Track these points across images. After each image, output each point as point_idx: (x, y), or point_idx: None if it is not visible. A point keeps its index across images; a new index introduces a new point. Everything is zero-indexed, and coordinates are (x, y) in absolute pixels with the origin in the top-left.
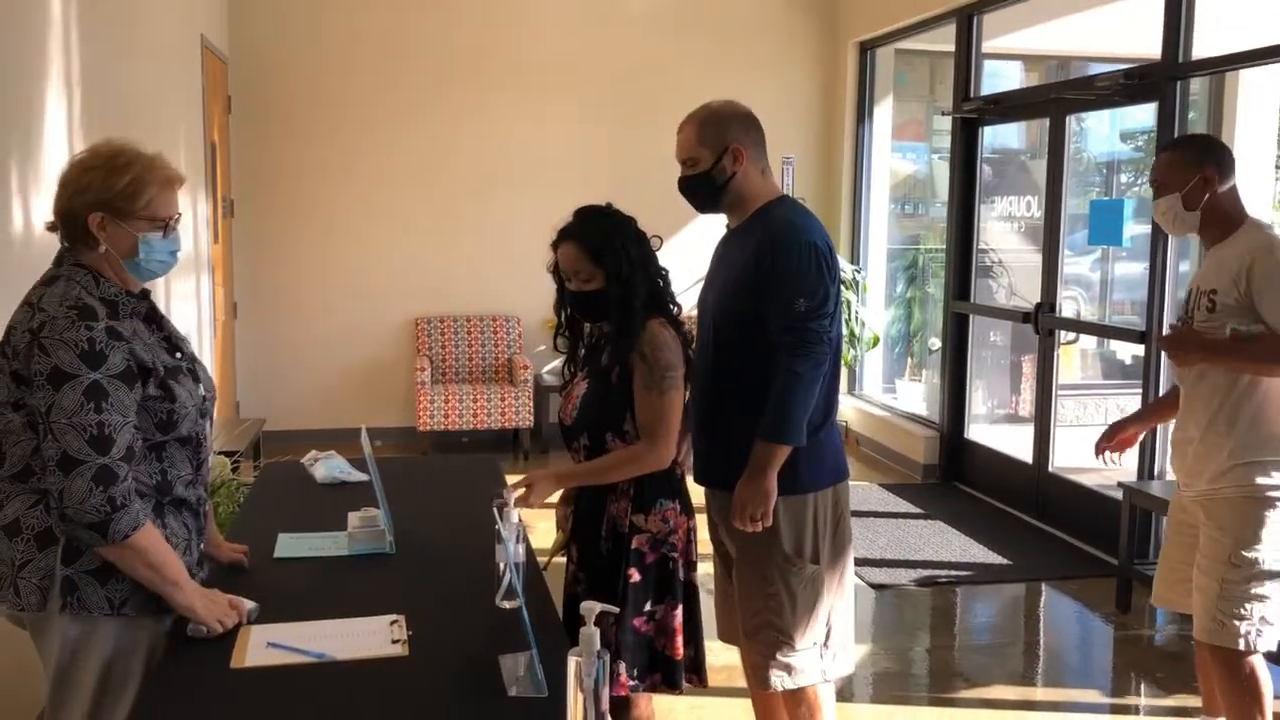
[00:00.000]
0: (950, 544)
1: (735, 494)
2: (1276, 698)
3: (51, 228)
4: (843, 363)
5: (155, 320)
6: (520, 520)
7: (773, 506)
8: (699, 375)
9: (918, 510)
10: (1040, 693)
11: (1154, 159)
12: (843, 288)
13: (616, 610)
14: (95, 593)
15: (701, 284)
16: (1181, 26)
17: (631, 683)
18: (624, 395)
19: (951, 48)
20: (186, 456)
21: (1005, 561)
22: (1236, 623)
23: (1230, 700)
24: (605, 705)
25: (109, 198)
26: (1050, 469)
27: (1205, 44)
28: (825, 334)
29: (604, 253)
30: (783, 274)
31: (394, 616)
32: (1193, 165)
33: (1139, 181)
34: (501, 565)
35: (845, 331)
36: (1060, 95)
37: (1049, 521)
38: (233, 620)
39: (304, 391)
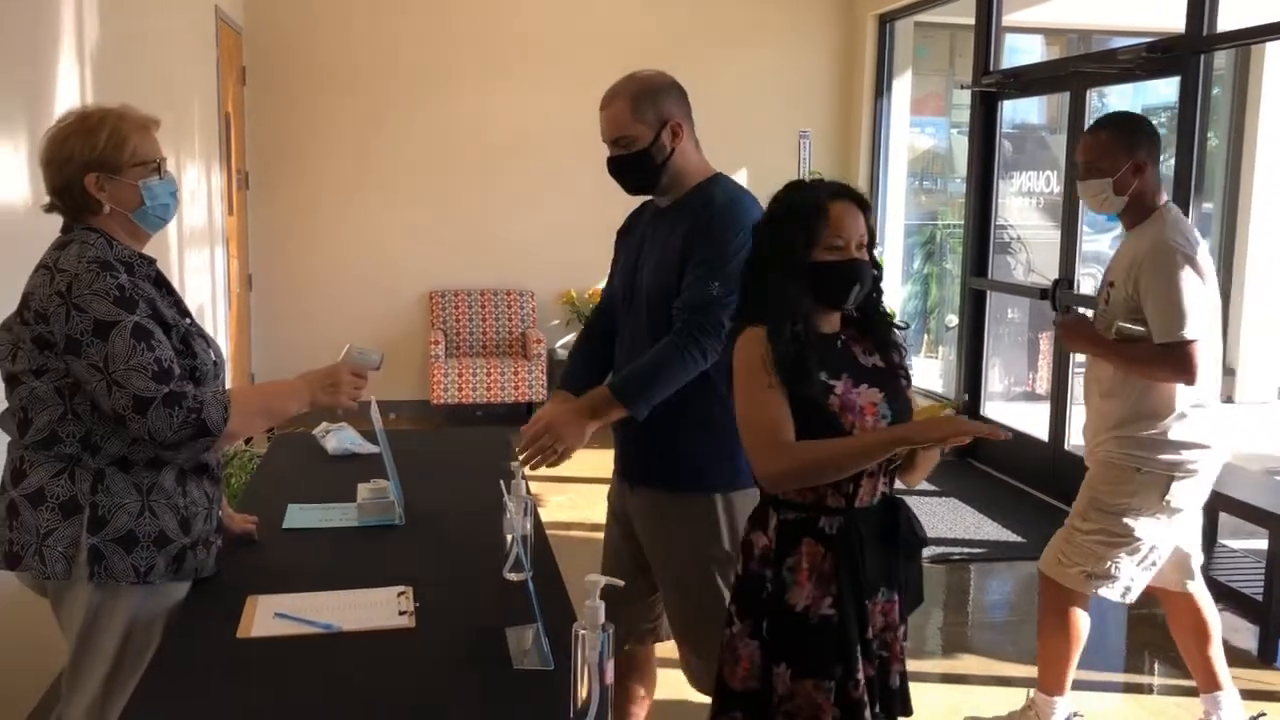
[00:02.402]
0: (964, 521)
1: (555, 414)
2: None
3: (49, 208)
4: None
5: (164, 285)
6: (529, 493)
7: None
8: (627, 362)
9: (932, 487)
10: None
11: (1085, 135)
12: None
13: (621, 583)
14: (122, 561)
15: (617, 266)
16: None
17: None
18: None
19: (971, 20)
20: None
21: (1020, 539)
22: (1073, 570)
23: (1046, 634)
24: (610, 679)
25: (95, 156)
26: (1067, 447)
27: (1230, 16)
28: (721, 330)
29: None
30: (706, 252)
31: (402, 588)
32: (1126, 150)
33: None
34: (509, 538)
35: None
36: (1081, 69)
37: (1065, 500)
38: (360, 392)
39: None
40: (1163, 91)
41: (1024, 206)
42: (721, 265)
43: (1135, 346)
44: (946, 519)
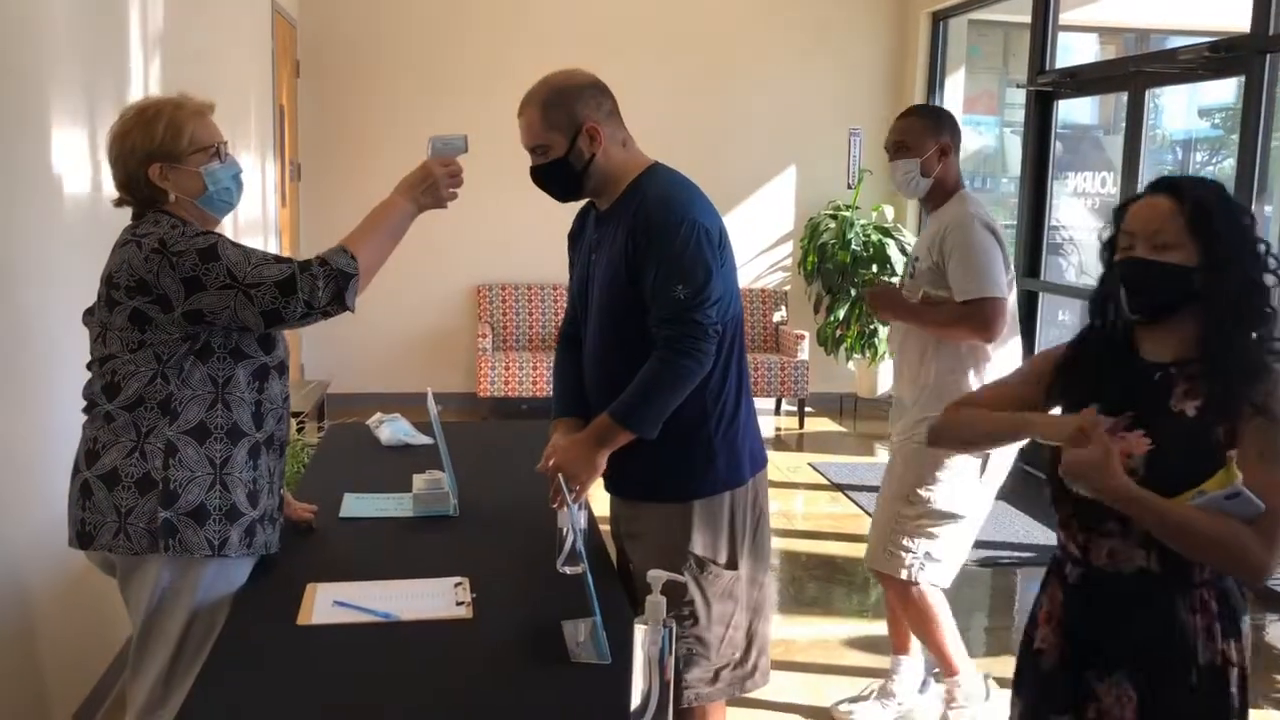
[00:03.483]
0: (1013, 525)
1: (559, 452)
2: None
3: (119, 203)
4: None
5: None
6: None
7: (593, 482)
8: (590, 373)
9: None
10: None
11: (896, 120)
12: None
13: (683, 579)
14: (195, 534)
15: (572, 275)
16: None
17: None
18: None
19: (1025, 18)
20: (280, 387)
21: None
22: (903, 554)
23: (914, 625)
24: (670, 675)
25: (156, 147)
26: None
27: None
28: (711, 326)
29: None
30: (658, 258)
31: (458, 579)
32: (933, 134)
33: (1215, 160)
34: (565, 530)
35: None
36: (1141, 68)
37: None
38: (455, 180)
39: (367, 355)
40: (1217, 95)
41: (1076, 208)
42: (678, 265)
43: (937, 307)
44: (995, 522)
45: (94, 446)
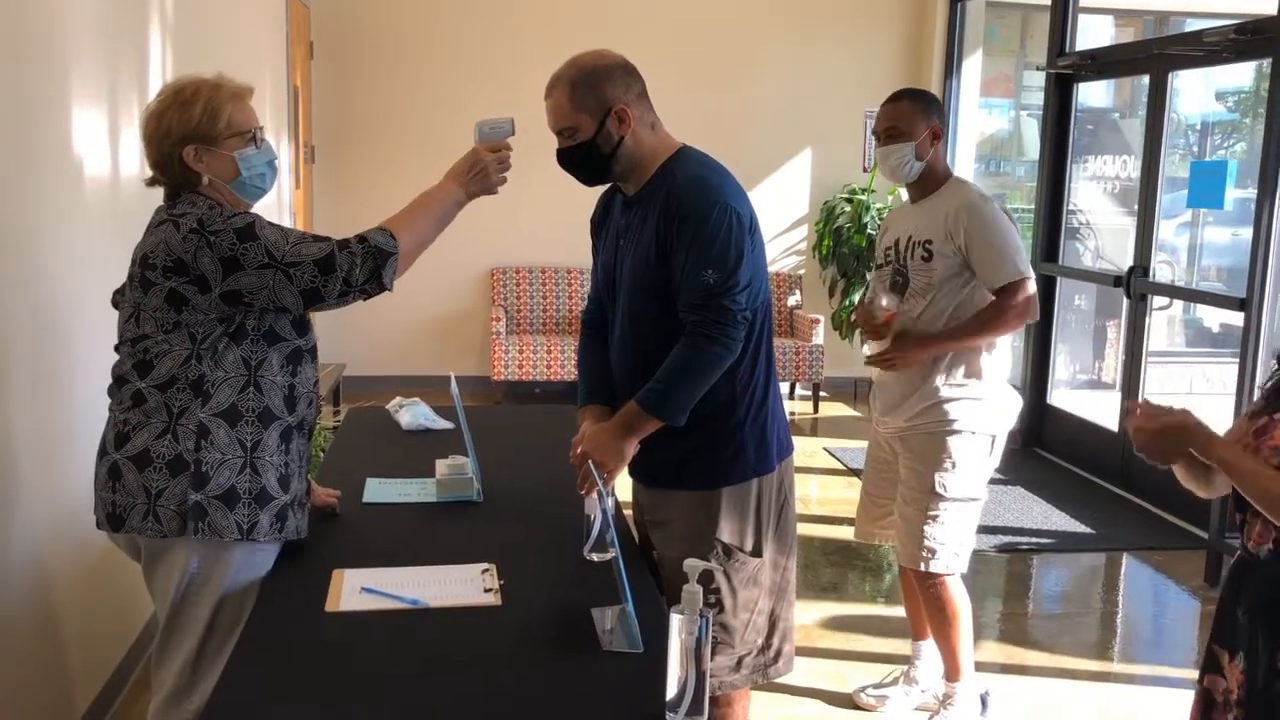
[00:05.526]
0: (1031, 511)
1: (588, 440)
2: None
3: (151, 182)
4: None
5: None
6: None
7: (620, 470)
8: (618, 360)
9: (998, 476)
10: (1118, 665)
11: (885, 105)
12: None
13: (718, 567)
14: (225, 518)
15: (596, 262)
16: None
17: None
18: None
19: (1045, 1)
20: (312, 370)
21: (1088, 531)
22: (940, 548)
23: (936, 622)
24: (706, 665)
25: (192, 129)
26: None
27: None
28: (740, 312)
29: None
30: (689, 242)
31: (485, 565)
32: (924, 117)
33: (1230, 143)
34: (592, 516)
35: None
36: (1164, 51)
37: (1135, 491)
38: (503, 165)
39: (382, 338)
40: (1235, 79)
41: (1093, 192)
42: (709, 249)
43: (966, 323)
44: (1013, 508)
45: (124, 429)
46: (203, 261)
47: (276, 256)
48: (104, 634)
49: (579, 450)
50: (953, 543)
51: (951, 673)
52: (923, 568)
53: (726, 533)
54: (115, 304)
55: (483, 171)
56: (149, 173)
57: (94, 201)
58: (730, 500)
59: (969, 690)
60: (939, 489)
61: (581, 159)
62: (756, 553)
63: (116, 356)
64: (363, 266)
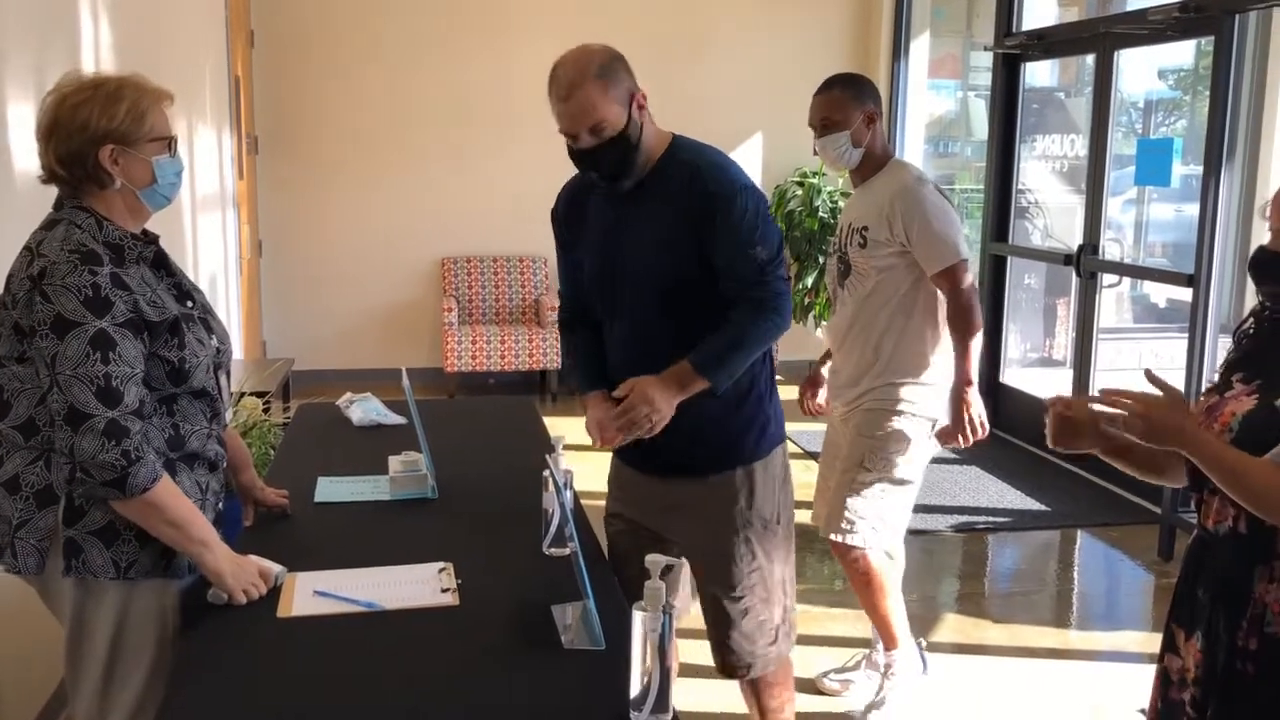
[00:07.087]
0: (986, 490)
1: (641, 388)
2: None
3: (47, 180)
4: None
5: (164, 266)
6: (566, 467)
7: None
8: (622, 352)
9: (953, 456)
10: (1076, 641)
11: (817, 95)
12: None
13: (684, 561)
14: (100, 555)
15: (575, 255)
16: None
17: None
18: None
19: None
20: (200, 410)
21: (1044, 508)
22: (860, 521)
23: (863, 595)
24: (670, 661)
25: (114, 127)
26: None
27: None
28: (788, 285)
29: None
30: (727, 225)
31: (442, 564)
32: (856, 103)
33: (1171, 120)
34: (550, 511)
35: None
36: (1110, 29)
37: (1089, 468)
38: (258, 592)
39: (331, 331)
40: (1176, 58)
41: (1040, 171)
42: (752, 229)
43: (951, 326)
44: (968, 488)
45: None
46: (21, 311)
47: (56, 369)
48: (35, 663)
49: (635, 392)
50: (872, 517)
51: (889, 641)
52: (837, 538)
53: (765, 506)
54: None
55: (240, 574)
56: (48, 169)
57: (25, 197)
58: (763, 474)
59: (908, 655)
60: (867, 464)
61: (613, 154)
62: (778, 520)
63: None
64: (98, 466)
